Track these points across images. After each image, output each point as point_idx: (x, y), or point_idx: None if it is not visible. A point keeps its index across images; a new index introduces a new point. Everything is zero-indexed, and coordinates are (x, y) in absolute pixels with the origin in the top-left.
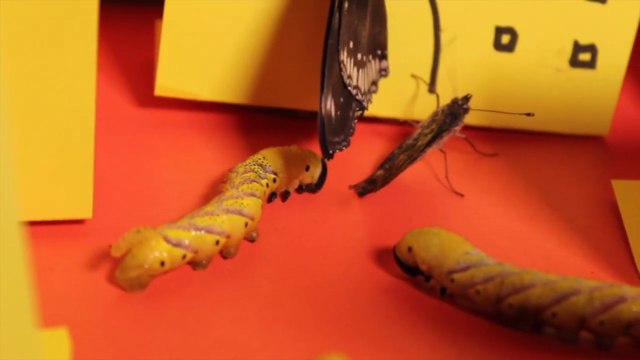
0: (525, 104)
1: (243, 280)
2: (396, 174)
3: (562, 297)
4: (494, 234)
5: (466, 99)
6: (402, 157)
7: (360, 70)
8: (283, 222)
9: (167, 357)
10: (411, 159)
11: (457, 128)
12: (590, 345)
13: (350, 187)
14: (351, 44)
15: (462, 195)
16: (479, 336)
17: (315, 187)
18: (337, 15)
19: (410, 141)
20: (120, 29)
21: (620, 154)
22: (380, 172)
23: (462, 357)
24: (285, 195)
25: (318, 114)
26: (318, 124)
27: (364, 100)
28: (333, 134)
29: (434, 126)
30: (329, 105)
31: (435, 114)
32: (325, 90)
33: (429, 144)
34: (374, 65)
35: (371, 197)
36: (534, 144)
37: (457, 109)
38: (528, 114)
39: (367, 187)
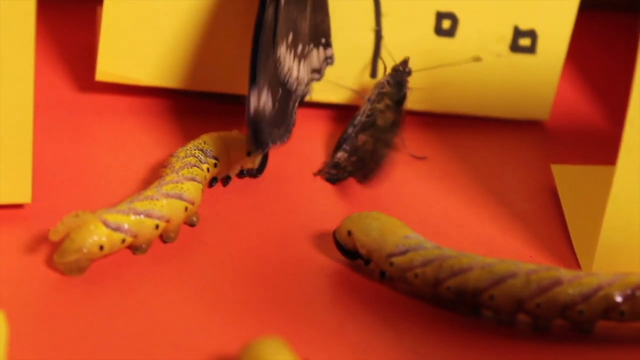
0: (466, 89)
1: (183, 264)
2: (376, 161)
3: (500, 280)
4: (433, 219)
5: (405, 63)
6: (363, 137)
7: (302, 62)
8: (224, 207)
9: (106, 341)
10: (386, 143)
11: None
12: (528, 328)
13: (315, 174)
14: (290, 37)
15: (424, 158)
16: (417, 319)
17: (256, 172)
18: (270, 9)
19: (362, 118)
20: (61, 15)
21: (560, 139)
22: (341, 154)
23: (400, 339)
24: (226, 180)
25: (246, 109)
26: (246, 119)
27: (306, 92)
28: (273, 125)
29: (387, 100)
30: (264, 99)
31: (381, 86)
32: (260, 85)
33: (395, 124)
34: (317, 54)
35: (311, 182)
36: (474, 129)
37: (400, 76)
38: (476, 59)
39: (335, 173)
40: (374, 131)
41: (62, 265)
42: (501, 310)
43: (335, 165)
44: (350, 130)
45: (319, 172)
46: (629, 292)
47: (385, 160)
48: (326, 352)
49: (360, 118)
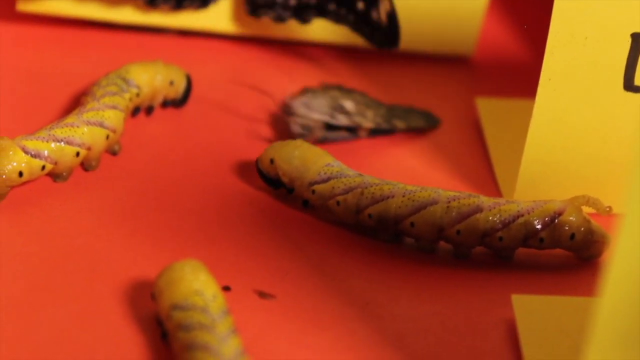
0: None
1: (104, 192)
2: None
3: (420, 207)
4: (354, 150)
5: None
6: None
7: None
8: (146, 136)
9: (25, 267)
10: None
11: None
12: (448, 255)
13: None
14: None
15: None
16: (339, 246)
17: (179, 102)
18: None
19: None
20: None
21: (485, 73)
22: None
23: (322, 265)
24: (149, 110)
25: None
26: None
27: None
28: None
29: None
30: None
31: None
32: None
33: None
34: None
35: (235, 114)
36: (400, 63)
37: None
38: None
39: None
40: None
41: None
42: (422, 237)
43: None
44: None
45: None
46: (548, 219)
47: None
48: (247, 278)
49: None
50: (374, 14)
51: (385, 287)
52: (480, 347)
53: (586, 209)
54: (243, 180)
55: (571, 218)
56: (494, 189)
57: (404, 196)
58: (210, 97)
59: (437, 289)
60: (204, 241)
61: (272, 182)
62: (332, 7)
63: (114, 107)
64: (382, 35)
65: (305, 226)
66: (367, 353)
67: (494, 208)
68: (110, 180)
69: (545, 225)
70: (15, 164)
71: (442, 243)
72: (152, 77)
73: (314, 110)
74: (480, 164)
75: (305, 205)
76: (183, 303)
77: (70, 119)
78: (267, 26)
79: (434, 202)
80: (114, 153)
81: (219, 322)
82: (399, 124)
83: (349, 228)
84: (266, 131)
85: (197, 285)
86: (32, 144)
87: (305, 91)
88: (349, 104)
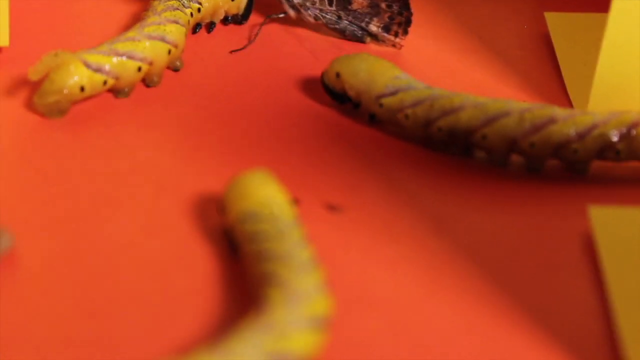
0: None
1: (166, 108)
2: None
3: (492, 119)
4: (423, 64)
5: None
6: None
7: None
8: (208, 53)
9: (89, 182)
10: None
11: None
12: (520, 168)
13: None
14: None
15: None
16: (408, 161)
17: (241, 19)
18: None
19: None
20: None
21: None
22: None
23: (391, 179)
24: (210, 27)
25: None
26: None
27: None
28: None
29: None
30: None
31: None
32: None
33: None
34: None
35: (298, 30)
36: None
37: None
38: None
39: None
40: None
41: (42, 107)
42: (494, 150)
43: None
44: None
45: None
46: (624, 130)
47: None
48: (315, 191)
49: None
50: None
51: (456, 201)
52: (555, 260)
53: None
54: (308, 96)
55: None
56: (566, 102)
57: (475, 107)
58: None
59: (510, 202)
60: (270, 156)
61: (338, 96)
62: None
63: (175, 22)
64: None
65: (372, 141)
66: (440, 265)
67: (569, 119)
68: (173, 97)
69: (622, 137)
70: (77, 78)
71: (514, 156)
72: None
73: None
74: (551, 77)
75: (372, 119)
76: (252, 214)
77: (132, 32)
78: None
79: (507, 114)
80: (175, 69)
81: (290, 231)
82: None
83: (418, 142)
84: (332, 48)
85: (266, 196)
86: (93, 58)
87: None
88: None
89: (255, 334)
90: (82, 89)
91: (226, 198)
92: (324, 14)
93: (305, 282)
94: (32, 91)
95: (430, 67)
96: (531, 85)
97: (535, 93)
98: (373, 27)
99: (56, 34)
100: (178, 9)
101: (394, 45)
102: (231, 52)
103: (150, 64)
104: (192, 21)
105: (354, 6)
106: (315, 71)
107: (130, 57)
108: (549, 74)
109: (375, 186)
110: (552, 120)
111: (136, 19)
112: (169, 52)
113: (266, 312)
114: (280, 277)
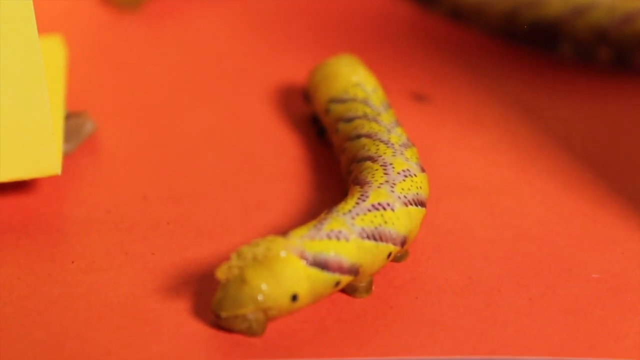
0: None
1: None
2: None
3: (581, 9)
4: None
5: None
6: None
7: None
8: None
9: (168, 72)
10: None
11: None
12: (608, 62)
13: None
14: None
15: None
16: (494, 53)
17: None
18: None
19: None
20: None
21: None
22: None
23: (477, 70)
24: None
25: None
26: None
27: None
28: None
29: None
30: None
31: None
32: None
33: None
34: None
35: None
36: None
37: None
38: None
39: None
40: None
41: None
42: (581, 41)
43: None
44: None
45: None
46: None
47: None
48: (402, 81)
49: None
50: None
51: (544, 91)
52: None
53: None
54: None
55: None
56: None
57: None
58: None
59: (599, 93)
60: (354, 46)
61: None
62: None
63: None
64: None
65: (455, 34)
66: (533, 152)
67: None
68: None
69: None
70: None
71: (602, 49)
72: None
73: None
74: None
75: (455, 16)
76: (343, 96)
77: None
78: None
79: (596, 5)
80: None
81: (384, 112)
82: None
83: (502, 35)
84: None
85: (356, 79)
86: None
87: None
88: None
89: (355, 211)
90: None
91: (314, 83)
92: None
93: (403, 160)
94: None
95: None
96: None
97: None
98: None
99: None
100: None
101: None
102: None
103: None
104: None
105: None
106: None
107: None
108: None
109: (460, 77)
110: None
111: None
112: None
113: (364, 190)
114: (378, 156)
